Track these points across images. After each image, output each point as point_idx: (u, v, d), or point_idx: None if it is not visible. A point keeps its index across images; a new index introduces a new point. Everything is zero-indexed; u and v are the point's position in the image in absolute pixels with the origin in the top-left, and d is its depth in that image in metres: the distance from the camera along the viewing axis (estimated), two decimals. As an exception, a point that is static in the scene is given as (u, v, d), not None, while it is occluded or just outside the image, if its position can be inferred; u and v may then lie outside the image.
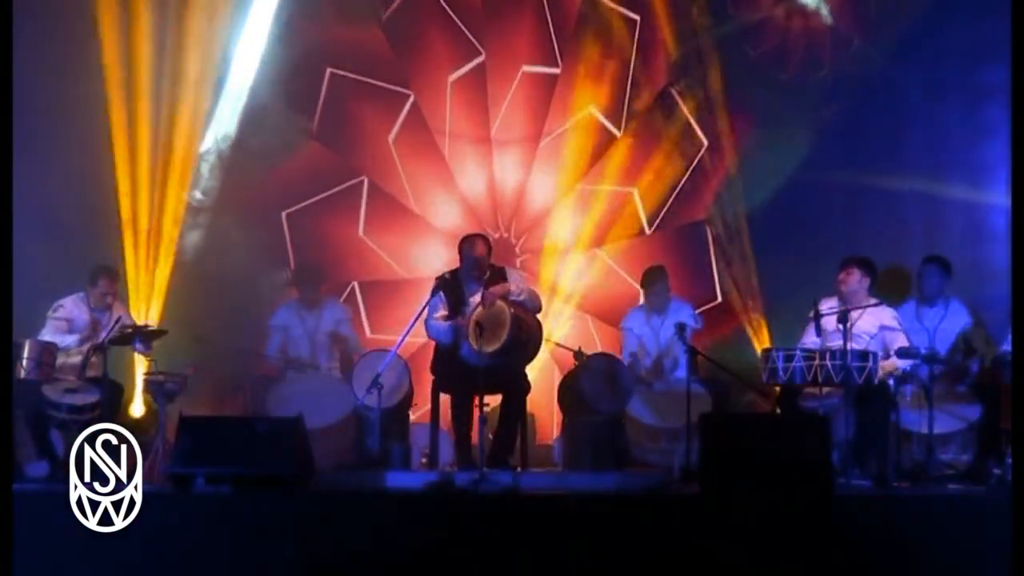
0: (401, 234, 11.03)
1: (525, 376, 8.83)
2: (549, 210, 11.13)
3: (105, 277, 9.12)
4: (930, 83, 10.27)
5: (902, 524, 7.02)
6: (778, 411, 8.71)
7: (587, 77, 10.98)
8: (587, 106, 10.98)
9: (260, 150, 10.58)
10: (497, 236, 11.03)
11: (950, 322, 8.97)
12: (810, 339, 8.70)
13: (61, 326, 8.93)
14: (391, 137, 10.98)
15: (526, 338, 8.54)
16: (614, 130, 11.00)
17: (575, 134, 11.03)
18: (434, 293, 8.69)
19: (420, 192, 11.07)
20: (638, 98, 10.94)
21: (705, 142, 10.72)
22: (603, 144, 11.01)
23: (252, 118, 10.54)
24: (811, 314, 8.67)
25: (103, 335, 8.77)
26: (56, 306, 9.00)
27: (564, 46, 11.03)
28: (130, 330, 8.80)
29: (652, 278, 9.65)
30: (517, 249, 11.20)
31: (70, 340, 8.87)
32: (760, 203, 10.52)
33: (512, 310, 8.45)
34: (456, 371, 8.54)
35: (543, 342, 8.93)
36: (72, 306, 9.05)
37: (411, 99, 11.02)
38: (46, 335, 8.78)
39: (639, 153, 10.92)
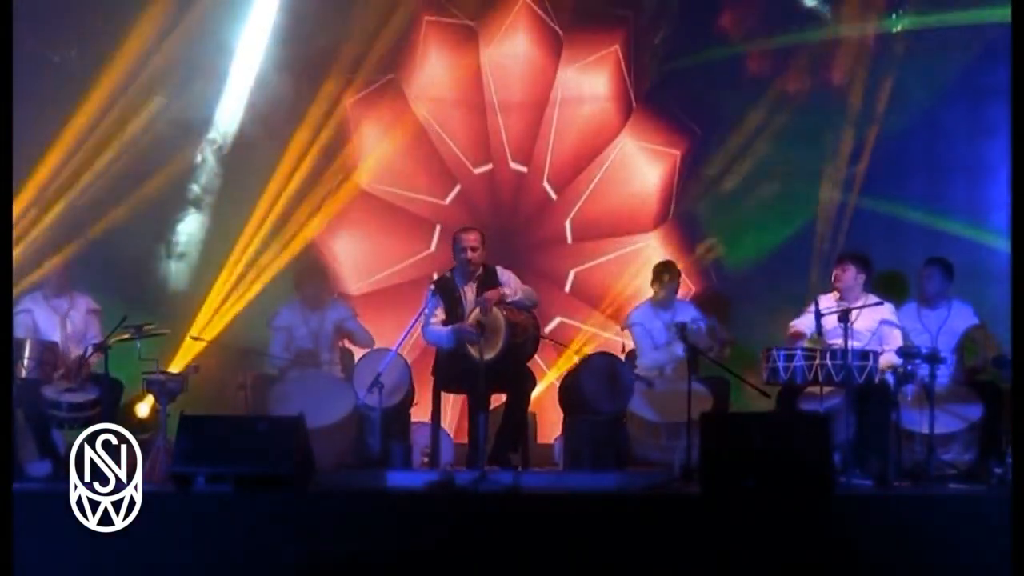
0: (380, 233, 10.99)
1: (529, 371, 8.85)
2: (588, 164, 11.04)
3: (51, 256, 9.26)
4: (931, 84, 10.27)
5: (902, 524, 7.01)
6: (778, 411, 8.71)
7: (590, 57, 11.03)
8: (611, 46, 10.95)
9: (263, 148, 10.59)
10: (483, 170, 11.00)
11: (954, 323, 8.97)
12: (803, 325, 8.71)
13: (26, 321, 8.96)
14: (351, 101, 10.82)
15: (521, 341, 8.56)
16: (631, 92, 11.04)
17: (601, 84, 11.02)
18: (432, 296, 8.71)
19: (403, 177, 11.00)
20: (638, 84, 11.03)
21: (698, 131, 10.73)
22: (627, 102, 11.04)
23: (256, 116, 10.54)
24: (810, 309, 8.68)
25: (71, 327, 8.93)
26: (15, 305, 9.02)
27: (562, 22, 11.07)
28: (131, 330, 8.79)
29: (668, 273, 9.61)
30: (567, 227, 11.04)
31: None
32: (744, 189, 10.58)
33: (506, 315, 8.48)
34: (463, 371, 8.52)
35: (541, 339, 8.95)
36: (29, 302, 9.10)
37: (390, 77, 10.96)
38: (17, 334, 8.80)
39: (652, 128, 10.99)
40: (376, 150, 10.97)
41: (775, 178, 10.53)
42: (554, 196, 11.15)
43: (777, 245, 10.49)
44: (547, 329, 10.36)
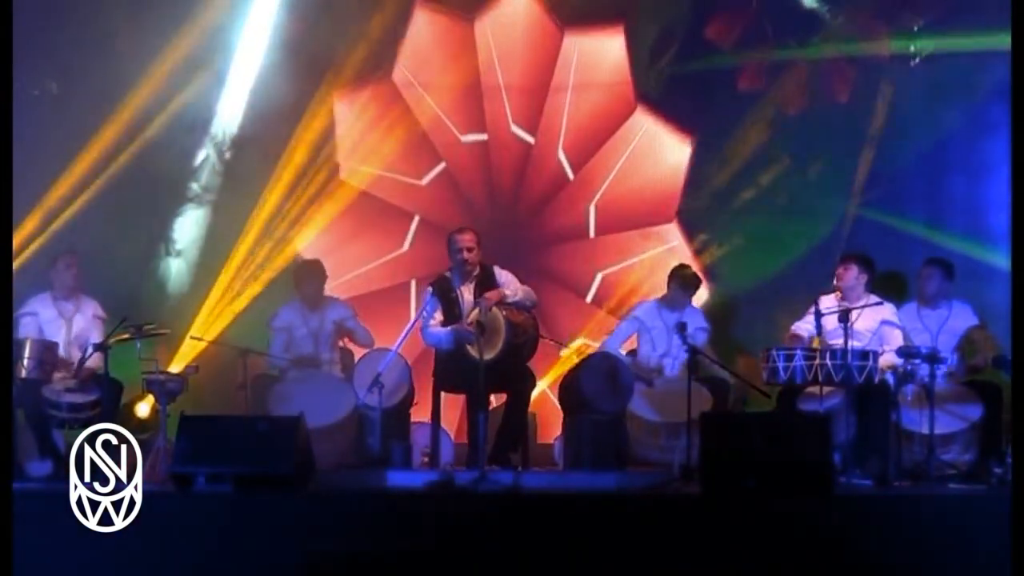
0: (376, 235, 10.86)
1: (530, 371, 8.86)
2: (607, 137, 10.62)
3: (64, 254, 9.22)
4: (931, 83, 10.26)
5: (902, 524, 7.02)
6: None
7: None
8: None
9: (264, 145, 10.57)
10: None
11: (954, 323, 8.96)
12: (803, 328, 8.70)
13: (29, 324, 8.96)
14: (338, 92, 10.61)
15: (522, 342, 8.58)
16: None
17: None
18: (430, 297, 8.72)
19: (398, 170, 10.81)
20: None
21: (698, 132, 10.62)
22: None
23: (256, 113, 10.52)
24: (811, 310, 8.67)
25: (78, 331, 8.94)
26: (22, 306, 9.02)
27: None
28: (131, 330, 8.80)
29: (693, 282, 9.54)
30: (591, 215, 10.65)
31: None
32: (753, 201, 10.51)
33: (507, 315, 8.49)
34: (463, 371, 8.52)
35: (541, 339, 8.93)
36: (36, 304, 9.08)
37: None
38: (19, 335, 8.80)
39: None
40: (359, 136, 10.74)
41: (782, 189, 10.50)
42: (571, 175, 10.66)
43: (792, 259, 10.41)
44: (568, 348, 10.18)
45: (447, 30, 10.79)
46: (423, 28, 10.77)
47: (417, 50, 10.74)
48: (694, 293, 9.57)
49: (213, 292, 10.36)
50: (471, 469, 8.24)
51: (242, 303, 10.39)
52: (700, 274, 9.74)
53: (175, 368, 9.49)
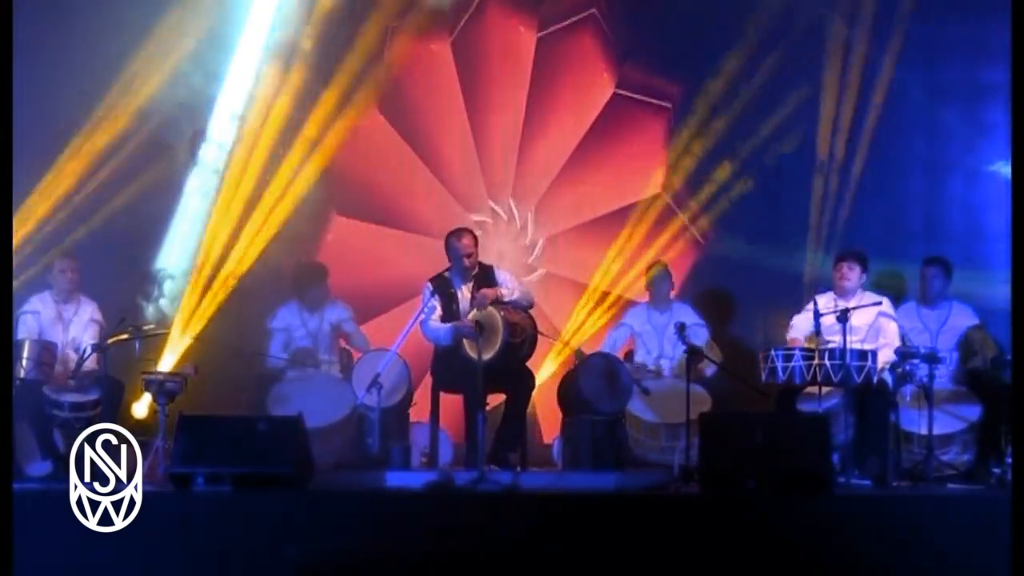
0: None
1: (529, 371, 8.86)
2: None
3: (61, 258, 9.20)
4: (930, 83, 10.26)
5: (902, 524, 7.02)
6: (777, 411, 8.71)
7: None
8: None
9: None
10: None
11: (954, 323, 8.97)
12: (800, 331, 8.71)
13: (30, 322, 8.96)
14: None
15: (520, 341, 8.56)
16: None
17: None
18: (430, 295, 8.72)
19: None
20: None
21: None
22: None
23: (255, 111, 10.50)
24: (808, 308, 8.66)
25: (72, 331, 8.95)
26: (24, 304, 9.04)
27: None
28: (130, 330, 8.80)
29: (655, 274, 9.61)
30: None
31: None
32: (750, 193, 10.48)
33: (504, 315, 8.48)
34: (461, 370, 8.53)
35: (538, 338, 8.93)
36: (38, 303, 9.08)
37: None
38: (19, 334, 8.81)
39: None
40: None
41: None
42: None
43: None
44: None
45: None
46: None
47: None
48: (668, 282, 9.54)
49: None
50: (470, 469, 8.24)
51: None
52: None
53: (173, 368, 9.45)
